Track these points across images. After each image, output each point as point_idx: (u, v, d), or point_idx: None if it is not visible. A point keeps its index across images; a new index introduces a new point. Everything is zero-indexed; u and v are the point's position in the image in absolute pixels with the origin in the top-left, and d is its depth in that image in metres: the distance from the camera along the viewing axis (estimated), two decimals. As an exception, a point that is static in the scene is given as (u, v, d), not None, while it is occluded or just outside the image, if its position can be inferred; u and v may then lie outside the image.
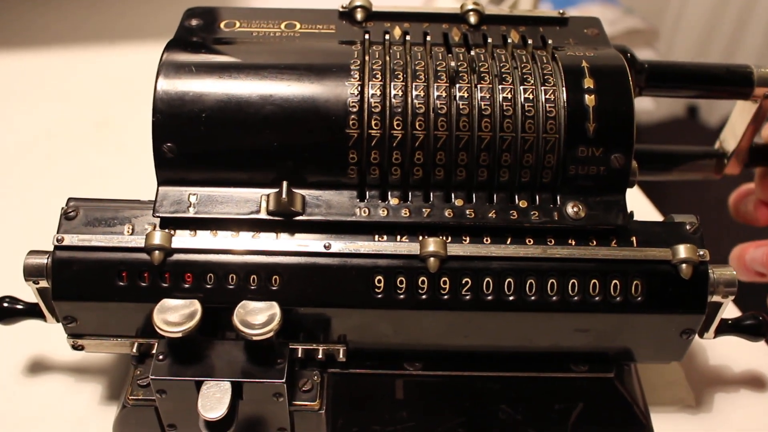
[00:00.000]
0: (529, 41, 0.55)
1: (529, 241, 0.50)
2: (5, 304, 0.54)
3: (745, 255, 0.64)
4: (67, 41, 0.99)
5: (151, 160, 0.50)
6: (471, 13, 0.57)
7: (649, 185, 0.76)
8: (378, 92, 0.50)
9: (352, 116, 0.49)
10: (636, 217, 0.52)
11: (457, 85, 0.50)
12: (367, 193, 0.50)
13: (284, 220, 0.50)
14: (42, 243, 0.51)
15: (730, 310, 0.62)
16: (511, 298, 0.49)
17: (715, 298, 0.51)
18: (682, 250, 0.50)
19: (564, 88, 0.50)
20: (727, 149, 0.63)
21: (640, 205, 0.77)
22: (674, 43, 1.98)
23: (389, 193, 0.50)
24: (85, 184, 0.77)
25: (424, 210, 0.50)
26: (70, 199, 0.51)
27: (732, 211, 0.70)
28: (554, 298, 0.50)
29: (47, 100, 0.89)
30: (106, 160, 0.81)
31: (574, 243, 0.50)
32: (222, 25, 0.56)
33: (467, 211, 0.50)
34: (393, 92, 0.50)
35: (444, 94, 0.50)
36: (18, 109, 0.88)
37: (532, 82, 0.51)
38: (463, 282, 0.49)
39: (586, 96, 0.50)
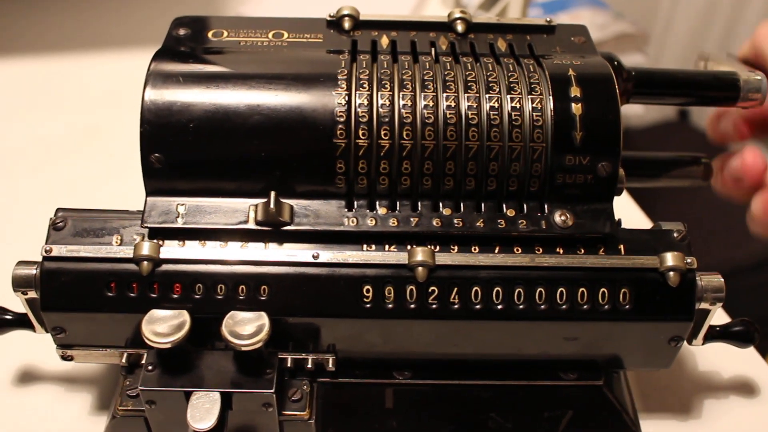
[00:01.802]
0: (516, 49, 0.55)
1: (517, 250, 0.50)
2: (-6, 315, 0.54)
3: (724, 167, 0.62)
4: (56, 49, 0.99)
5: (140, 168, 0.50)
6: (458, 21, 0.57)
7: (639, 190, 0.76)
8: (365, 102, 0.50)
9: (340, 126, 0.49)
10: (625, 224, 0.52)
11: (444, 95, 0.51)
12: (355, 202, 0.51)
13: (272, 230, 0.50)
14: (31, 252, 0.51)
15: (719, 316, 0.63)
16: (499, 306, 0.50)
17: (703, 305, 0.51)
18: (670, 258, 0.50)
19: (551, 97, 0.51)
20: None
21: (629, 212, 0.77)
22: (664, 47, 1.99)
23: (377, 202, 0.51)
24: (74, 192, 0.77)
25: (412, 219, 0.50)
26: (58, 210, 0.51)
27: (709, 132, 0.66)
28: (542, 306, 0.50)
29: (36, 108, 0.89)
30: (95, 168, 0.81)
31: (562, 251, 0.50)
32: (210, 34, 0.56)
33: (455, 220, 0.50)
34: (380, 102, 0.50)
35: (431, 104, 0.50)
36: (6, 117, 0.88)
37: (519, 91, 0.51)
38: (452, 291, 0.49)
39: (573, 105, 0.50)
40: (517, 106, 0.50)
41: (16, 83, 0.93)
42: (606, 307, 0.50)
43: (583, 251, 0.50)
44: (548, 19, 0.58)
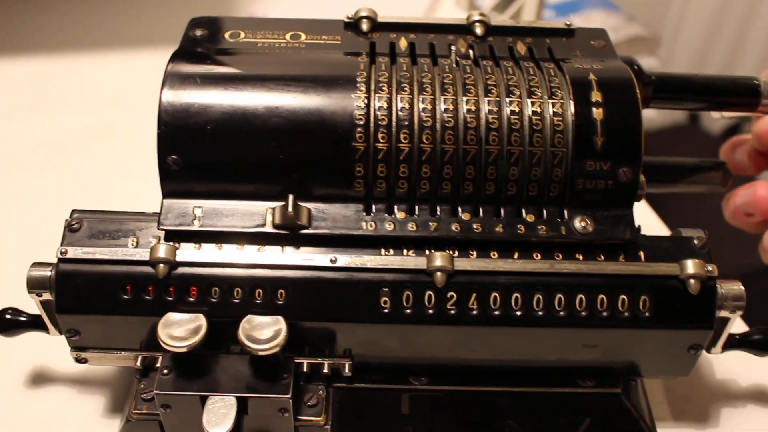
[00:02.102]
0: (536, 53, 0.55)
1: (537, 256, 0.50)
2: (8, 316, 0.54)
3: (735, 198, 0.62)
4: (70, 48, 0.99)
5: (154, 168, 0.50)
6: (477, 24, 0.57)
7: (654, 197, 0.75)
8: (384, 105, 0.50)
9: (359, 129, 0.49)
10: (642, 231, 0.52)
11: (464, 98, 0.50)
12: (374, 206, 0.50)
13: (290, 234, 0.49)
14: (40, 252, 0.51)
15: (737, 325, 0.62)
16: (518, 313, 0.49)
17: (723, 314, 0.50)
18: (690, 266, 0.49)
19: (572, 102, 0.50)
20: None
21: (646, 219, 0.76)
22: (676, 50, 1.98)
23: (396, 206, 0.50)
24: (87, 192, 0.77)
25: (430, 224, 0.50)
26: (74, 211, 0.51)
27: (723, 159, 0.66)
28: (562, 313, 0.49)
29: (50, 107, 0.89)
30: (109, 168, 0.81)
31: (581, 257, 0.50)
32: (227, 35, 0.56)
33: (474, 225, 0.50)
34: (399, 105, 0.50)
35: (451, 107, 0.50)
36: (20, 116, 0.88)
37: (540, 95, 0.51)
38: (470, 297, 0.49)
39: (594, 109, 0.50)
40: (538, 110, 0.50)
41: (27, 82, 0.93)
42: (626, 314, 0.49)
43: (602, 258, 0.50)
44: (567, 23, 0.58)
